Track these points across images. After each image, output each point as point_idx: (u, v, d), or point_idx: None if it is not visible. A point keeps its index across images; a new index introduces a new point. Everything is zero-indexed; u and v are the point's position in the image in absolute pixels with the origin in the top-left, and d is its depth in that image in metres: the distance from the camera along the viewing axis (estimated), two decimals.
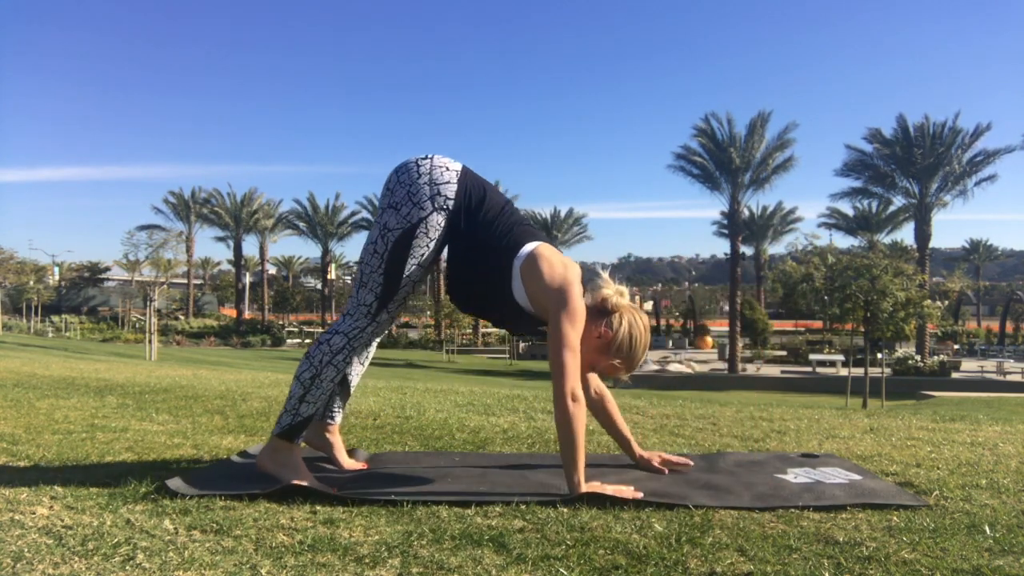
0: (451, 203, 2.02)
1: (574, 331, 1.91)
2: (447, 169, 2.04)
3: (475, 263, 2.03)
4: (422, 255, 2.01)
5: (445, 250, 2.11)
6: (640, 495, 1.84)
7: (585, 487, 1.85)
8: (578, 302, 1.94)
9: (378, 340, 2.37)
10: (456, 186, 2.03)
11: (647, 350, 2.09)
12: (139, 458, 2.33)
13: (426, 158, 2.06)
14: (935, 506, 1.83)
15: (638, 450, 2.27)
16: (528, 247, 2.00)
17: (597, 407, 2.28)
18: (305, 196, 52.04)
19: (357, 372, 2.33)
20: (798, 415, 3.72)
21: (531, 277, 1.96)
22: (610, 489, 1.85)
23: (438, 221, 2.01)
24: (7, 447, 2.45)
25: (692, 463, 2.25)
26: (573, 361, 1.88)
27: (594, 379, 2.28)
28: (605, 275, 2.11)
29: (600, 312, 2.04)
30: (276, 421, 2.05)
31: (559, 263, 1.98)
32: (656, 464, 2.22)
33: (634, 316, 2.06)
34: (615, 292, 2.06)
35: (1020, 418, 4.10)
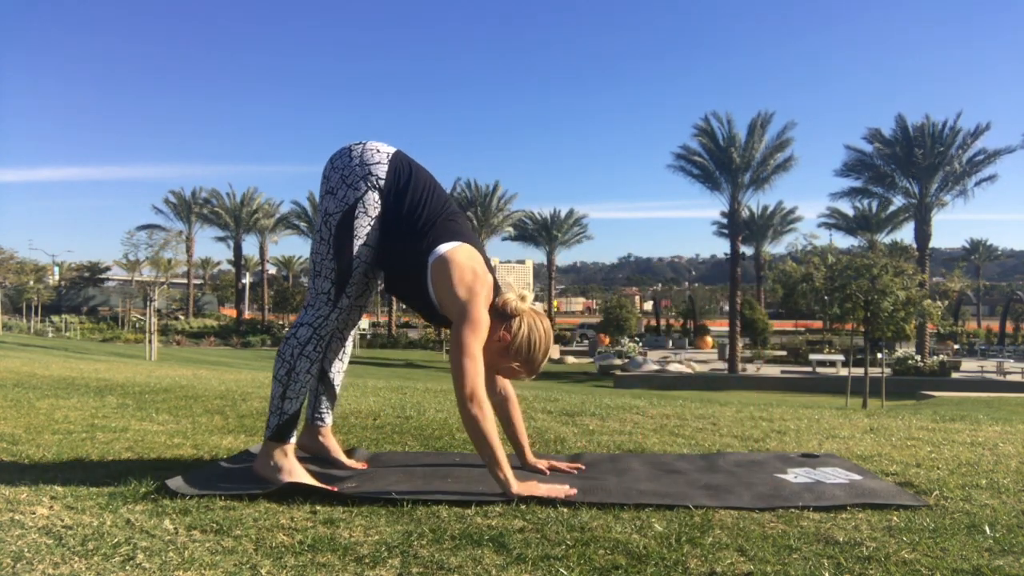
0: (382, 182, 2.06)
1: (474, 338, 1.92)
2: (378, 151, 2.09)
3: (398, 253, 2.06)
4: (366, 234, 2.05)
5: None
6: (574, 492, 1.84)
7: (516, 487, 1.84)
8: (480, 311, 1.95)
9: (352, 335, 2.37)
10: (387, 166, 2.07)
11: (547, 354, 2.09)
12: (139, 458, 2.33)
13: (359, 143, 2.11)
14: (935, 506, 1.83)
15: (529, 456, 2.26)
16: (443, 248, 2.01)
17: (499, 407, 2.27)
18: (305, 196, 52.03)
19: (338, 370, 2.33)
20: (798, 415, 3.72)
21: (439, 280, 1.99)
22: (543, 488, 1.85)
23: (374, 199, 2.05)
24: (7, 447, 2.45)
25: (583, 468, 2.22)
26: (472, 366, 1.89)
27: (500, 379, 2.28)
28: (509, 279, 2.14)
29: (502, 316, 2.04)
30: (266, 426, 2.06)
31: (469, 270, 1.99)
32: (542, 468, 2.20)
33: (534, 320, 2.07)
34: (516, 297, 2.07)
35: (1020, 418, 4.10)
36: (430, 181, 2.13)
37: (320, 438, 2.29)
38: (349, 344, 2.36)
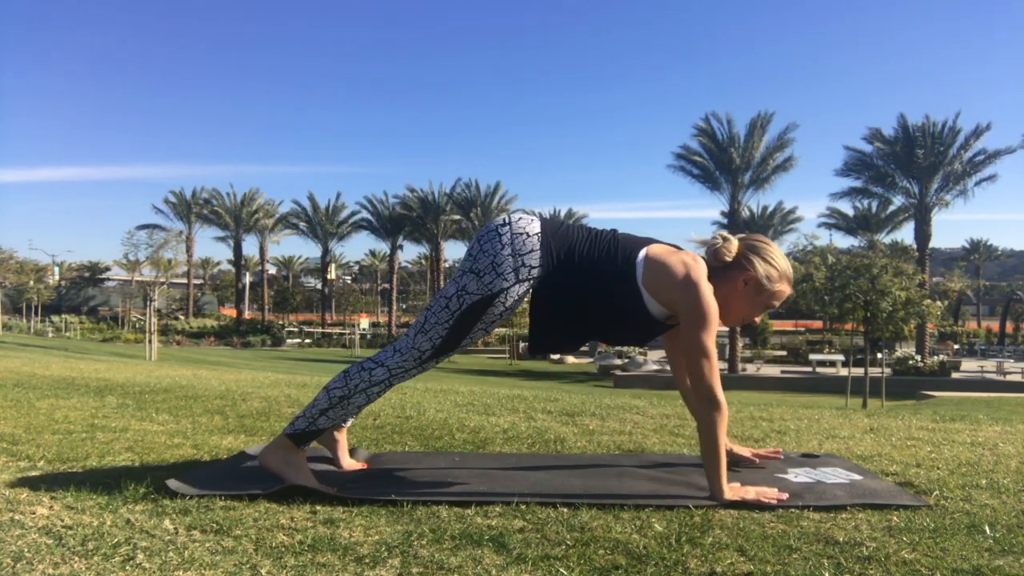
0: (535, 271, 2.00)
1: (708, 336, 1.90)
2: (528, 236, 2.01)
3: (600, 299, 2.00)
4: (492, 320, 2.02)
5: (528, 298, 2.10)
6: (785, 496, 1.85)
7: (729, 493, 1.86)
8: (706, 302, 1.91)
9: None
10: (539, 252, 2.00)
11: (784, 257, 2.09)
12: (139, 458, 2.33)
13: (505, 224, 2.03)
14: (935, 506, 1.83)
15: (729, 444, 2.29)
16: (639, 256, 1.98)
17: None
18: (305, 196, 52.12)
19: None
20: (798, 415, 3.72)
21: (657, 285, 1.95)
22: (752, 492, 1.86)
23: (519, 292, 2.00)
24: (7, 447, 2.45)
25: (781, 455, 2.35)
26: (710, 368, 1.89)
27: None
28: (698, 237, 2.13)
29: (728, 267, 2.03)
30: (291, 421, 2.06)
31: (676, 263, 1.95)
32: (748, 456, 2.28)
33: (753, 244, 2.06)
34: (720, 241, 2.04)
35: (1020, 418, 4.10)
36: (580, 229, 2.09)
37: (335, 431, 2.28)
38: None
